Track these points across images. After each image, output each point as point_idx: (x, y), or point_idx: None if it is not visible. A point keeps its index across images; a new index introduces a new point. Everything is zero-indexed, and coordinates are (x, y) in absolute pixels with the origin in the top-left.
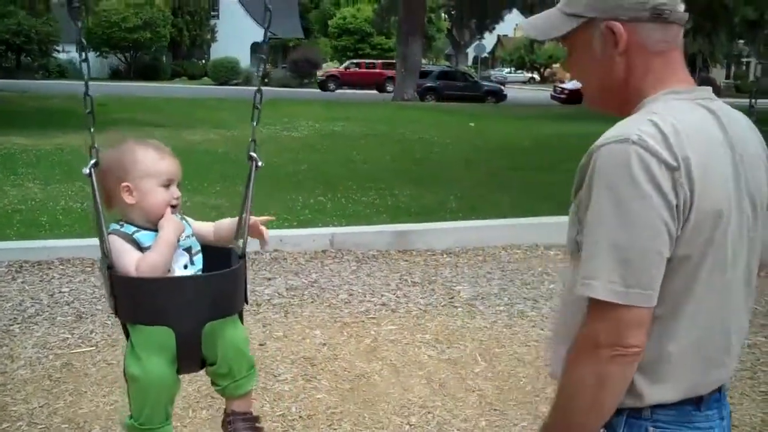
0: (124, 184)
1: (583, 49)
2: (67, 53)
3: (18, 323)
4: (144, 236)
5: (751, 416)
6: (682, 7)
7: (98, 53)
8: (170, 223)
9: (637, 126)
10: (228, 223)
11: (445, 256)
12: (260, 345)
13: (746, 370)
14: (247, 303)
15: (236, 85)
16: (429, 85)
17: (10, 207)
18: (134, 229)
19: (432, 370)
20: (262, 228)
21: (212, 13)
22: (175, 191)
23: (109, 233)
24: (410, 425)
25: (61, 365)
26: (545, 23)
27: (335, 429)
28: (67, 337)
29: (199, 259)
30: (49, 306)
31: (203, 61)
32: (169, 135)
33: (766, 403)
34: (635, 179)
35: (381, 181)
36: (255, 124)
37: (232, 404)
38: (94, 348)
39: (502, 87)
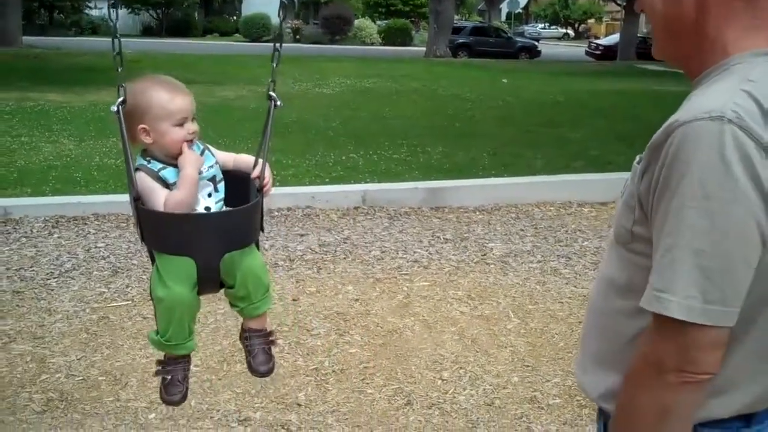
0: (141, 126)
1: None
2: (99, 9)
3: (55, 278)
4: (169, 173)
5: None
6: None
7: (130, 10)
8: (189, 161)
9: (731, 98)
10: (247, 159)
11: (477, 213)
12: (293, 300)
13: None
14: (263, 231)
15: (267, 41)
16: (461, 41)
17: (45, 163)
18: (160, 165)
19: (464, 326)
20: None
21: None
22: (189, 127)
23: (137, 168)
24: (442, 380)
25: (98, 319)
26: None
27: (368, 383)
28: (104, 291)
29: (222, 186)
30: (85, 261)
31: (234, 18)
32: (202, 92)
33: None
34: (730, 170)
35: (413, 138)
36: (275, 65)
37: (249, 323)
38: (130, 302)
39: (536, 43)
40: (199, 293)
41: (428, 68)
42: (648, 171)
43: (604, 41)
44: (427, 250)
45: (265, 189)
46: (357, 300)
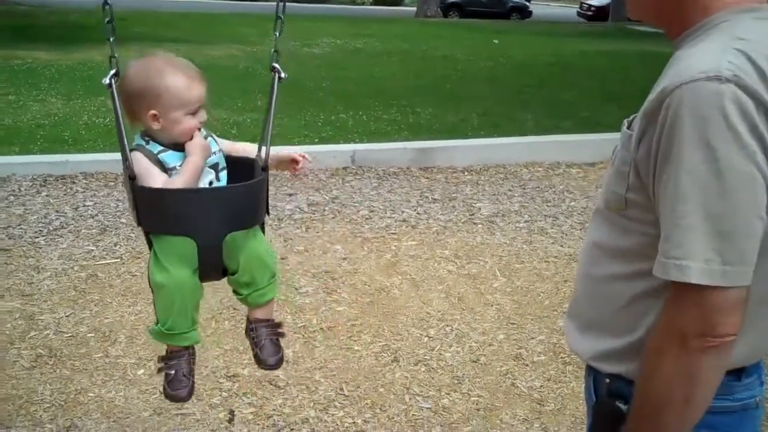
0: (152, 112)
1: None
2: None
3: (43, 236)
4: (169, 156)
5: None
6: None
7: None
8: (198, 148)
9: (725, 57)
10: (246, 146)
11: (466, 173)
12: (281, 259)
13: None
14: (268, 215)
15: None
16: (452, 1)
17: (33, 122)
18: (160, 148)
19: (451, 284)
20: (297, 157)
21: None
22: (201, 116)
23: (134, 149)
24: (429, 337)
25: (86, 276)
26: None
27: (355, 340)
28: (92, 249)
29: (224, 175)
30: (73, 219)
31: None
32: (190, 50)
33: None
34: (734, 129)
35: (403, 99)
36: (278, 34)
37: (255, 312)
38: (118, 260)
39: (527, 3)
40: (200, 279)
41: (419, 29)
42: (645, 138)
43: (595, 2)
44: (415, 210)
45: (300, 166)
46: (345, 259)
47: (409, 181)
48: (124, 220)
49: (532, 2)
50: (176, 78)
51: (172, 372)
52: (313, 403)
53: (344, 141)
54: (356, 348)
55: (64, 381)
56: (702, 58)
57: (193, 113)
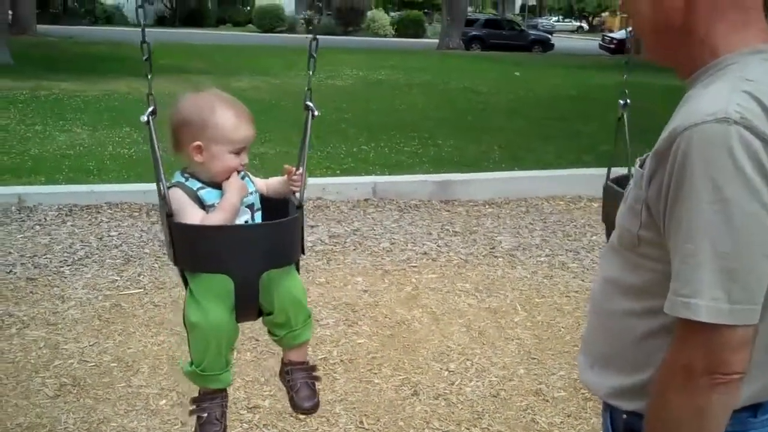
0: (196, 143)
1: None
2: None
3: (68, 265)
4: (208, 194)
5: None
6: None
7: None
8: (235, 188)
9: (732, 99)
10: (277, 179)
11: (487, 206)
12: None
13: None
14: (303, 254)
15: (281, 32)
16: (474, 33)
17: (59, 152)
18: (199, 185)
19: (472, 318)
20: (288, 168)
21: None
22: (244, 158)
23: (173, 185)
24: (449, 371)
25: (110, 306)
26: None
27: (375, 373)
28: (116, 279)
29: (259, 216)
30: (98, 249)
31: (248, 8)
32: (216, 82)
33: None
34: (742, 170)
35: (424, 131)
36: (311, 73)
37: (289, 354)
38: (141, 290)
39: (549, 36)
40: (237, 319)
41: (441, 61)
42: (655, 177)
43: (617, 35)
44: (436, 243)
45: (294, 174)
46: (366, 291)
47: (430, 214)
48: (147, 251)
49: (554, 35)
50: (226, 115)
51: (205, 415)
52: None
53: (366, 173)
54: (376, 381)
55: (87, 410)
56: (711, 100)
57: (237, 153)
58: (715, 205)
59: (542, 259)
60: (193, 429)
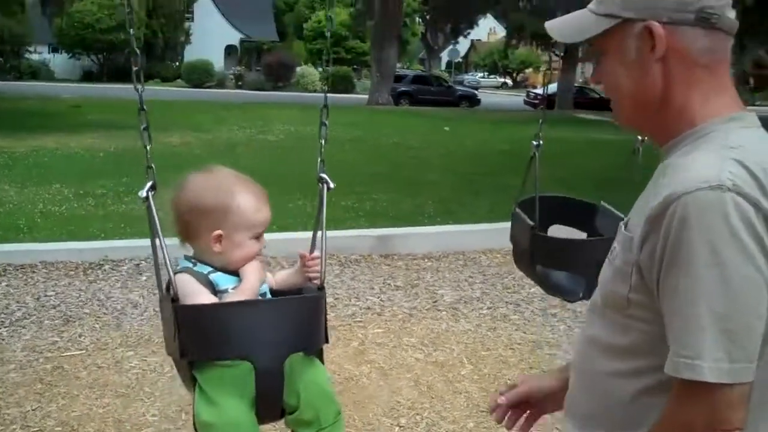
0: (217, 232)
1: (615, 55)
2: (39, 54)
3: (5, 326)
4: (220, 278)
5: None
6: (732, 14)
7: (71, 54)
8: (255, 270)
9: (724, 167)
10: (287, 273)
11: (426, 260)
12: None
13: None
14: (327, 342)
15: (209, 87)
16: (403, 89)
17: None
18: (209, 269)
19: (419, 372)
20: (302, 253)
21: (186, 15)
22: (263, 241)
23: (179, 271)
24: (400, 426)
25: (52, 368)
26: (574, 25)
27: None
28: (56, 341)
29: None
30: (36, 309)
31: (176, 64)
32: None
33: None
34: (737, 235)
35: (359, 185)
36: (323, 142)
37: None
38: (84, 351)
39: (476, 92)
40: (259, 419)
41: (371, 116)
42: (648, 241)
43: (541, 90)
44: (379, 297)
45: (310, 259)
46: None
47: (371, 268)
48: (87, 311)
49: (480, 90)
50: (247, 198)
51: None
52: None
53: (303, 228)
54: None
55: None
56: (702, 168)
57: (257, 238)
58: (713, 269)
59: (484, 311)
60: None
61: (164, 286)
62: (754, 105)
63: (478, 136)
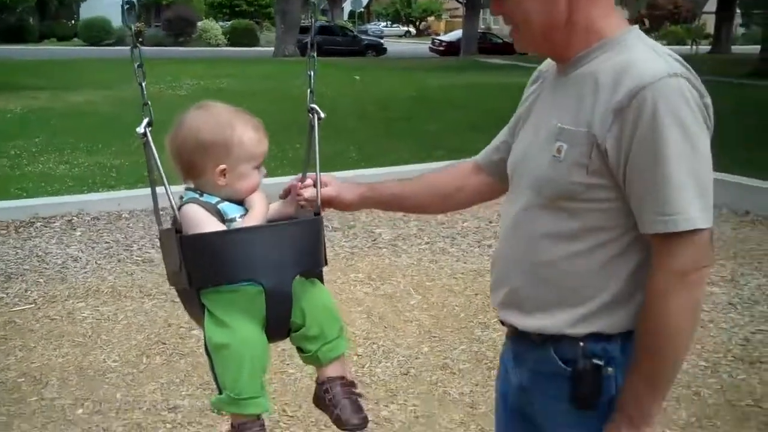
0: (222, 167)
1: None
2: None
3: None
4: (229, 207)
5: None
6: None
7: None
8: (262, 201)
9: (668, 60)
10: (275, 208)
11: None
12: None
13: None
14: (326, 264)
15: (108, 45)
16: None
17: None
18: (217, 199)
19: (370, 305)
20: (293, 183)
21: None
22: (263, 170)
23: (187, 202)
24: (358, 355)
25: (4, 323)
26: None
27: (288, 364)
28: (2, 296)
29: None
30: None
31: (72, 22)
32: (51, 97)
33: None
34: (694, 111)
35: (278, 135)
36: (312, 73)
37: (326, 370)
38: (33, 305)
39: (381, 41)
40: (269, 337)
41: (279, 68)
42: (612, 130)
43: (446, 38)
44: None
45: (301, 188)
46: None
47: None
48: (27, 267)
49: (384, 39)
50: (248, 131)
51: None
52: None
53: None
54: (291, 371)
55: (3, 427)
56: (651, 63)
57: (258, 168)
58: (685, 139)
59: (423, 246)
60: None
61: (167, 219)
62: None
63: (388, 83)
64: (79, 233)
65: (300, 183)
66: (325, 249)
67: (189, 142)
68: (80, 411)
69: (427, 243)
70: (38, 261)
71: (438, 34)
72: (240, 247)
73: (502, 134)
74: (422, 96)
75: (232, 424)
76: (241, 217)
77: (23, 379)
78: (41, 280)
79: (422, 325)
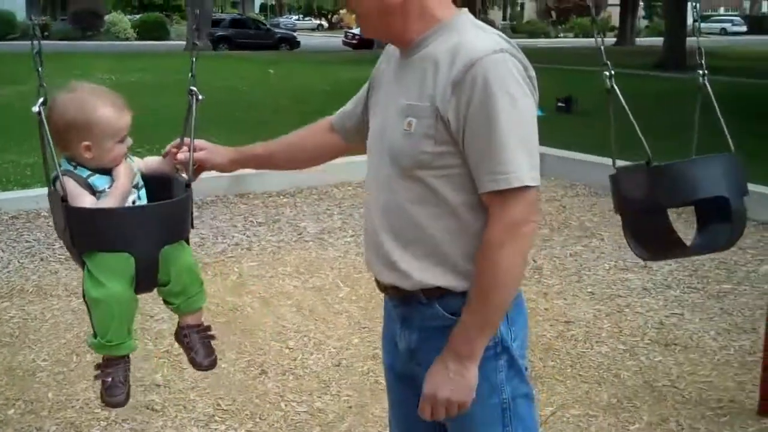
0: (85, 143)
1: None
2: None
3: None
4: (98, 180)
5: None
6: None
7: None
8: (126, 173)
9: (495, 39)
10: (154, 159)
11: (281, 197)
12: None
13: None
14: (193, 227)
15: (13, 39)
16: (221, 33)
17: None
18: (88, 172)
19: (300, 298)
20: (170, 149)
21: None
22: (128, 142)
23: (63, 173)
24: (290, 348)
25: None
26: None
27: (221, 358)
28: None
29: (144, 193)
30: None
31: None
32: None
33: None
34: (519, 82)
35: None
36: (194, 59)
37: (186, 319)
38: None
39: (294, 34)
40: (136, 291)
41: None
42: (451, 100)
43: (359, 31)
44: (244, 234)
45: (179, 164)
46: None
47: (229, 208)
48: None
49: (296, 33)
50: (106, 109)
51: (109, 379)
52: (194, 421)
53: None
54: (223, 365)
55: None
56: (482, 41)
57: (122, 141)
58: (513, 107)
59: (348, 239)
60: (98, 394)
61: (51, 185)
62: (557, 37)
63: (303, 77)
64: None
65: (176, 148)
66: (192, 217)
67: (58, 121)
68: (11, 411)
69: (352, 236)
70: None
71: (350, 28)
72: (115, 223)
73: (352, 102)
74: (336, 89)
75: (102, 359)
76: (108, 188)
77: None
78: None
79: (352, 316)
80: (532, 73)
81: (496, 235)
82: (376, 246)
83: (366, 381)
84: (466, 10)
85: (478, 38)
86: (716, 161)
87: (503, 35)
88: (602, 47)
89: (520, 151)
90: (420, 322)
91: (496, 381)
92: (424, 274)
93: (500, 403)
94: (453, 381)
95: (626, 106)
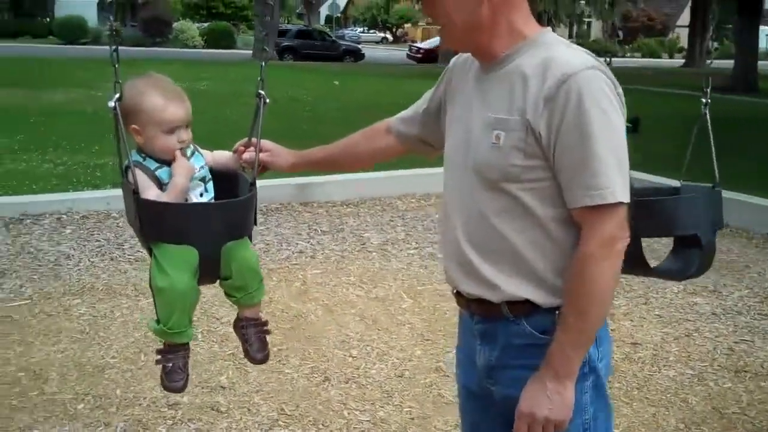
0: (133, 126)
1: None
2: None
3: None
4: (164, 173)
5: None
6: None
7: None
8: (181, 169)
9: (586, 56)
10: (223, 154)
11: (345, 206)
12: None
13: None
14: (256, 225)
15: (85, 44)
16: (287, 44)
17: None
18: (156, 165)
19: (363, 307)
20: (238, 148)
21: None
22: (181, 135)
23: (133, 164)
24: (353, 357)
25: (0, 318)
26: None
27: (284, 364)
28: None
29: (211, 186)
30: None
31: (47, 20)
32: (27, 96)
33: None
34: (610, 98)
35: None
36: (264, 64)
37: (245, 312)
38: (29, 300)
39: (359, 47)
40: (198, 283)
41: (258, 71)
42: (544, 115)
43: (424, 45)
44: (308, 242)
45: (246, 162)
46: None
47: (293, 216)
48: (20, 263)
49: (361, 45)
50: (153, 98)
51: (170, 365)
52: (257, 425)
53: None
54: (287, 371)
55: (4, 420)
56: (573, 58)
57: (170, 132)
58: (606, 124)
59: (412, 251)
60: (159, 378)
61: (127, 177)
62: (624, 56)
63: (368, 89)
64: (68, 231)
65: (244, 147)
66: (256, 215)
67: (122, 106)
68: (81, 406)
69: (415, 248)
70: (30, 258)
71: (415, 41)
72: (182, 218)
73: (412, 110)
74: (400, 102)
75: (164, 344)
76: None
77: (23, 373)
78: (35, 277)
79: (415, 328)
80: (620, 90)
81: (591, 251)
82: (457, 255)
83: (429, 393)
84: (549, 28)
85: (569, 54)
86: (697, 200)
87: (590, 52)
88: (709, 78)
89: (614, 167)
90: (504, 339)
91: (582, 401)
92: (511, 286)
93: (582, 424)
94: (551, 400)
95: (711, 133)
